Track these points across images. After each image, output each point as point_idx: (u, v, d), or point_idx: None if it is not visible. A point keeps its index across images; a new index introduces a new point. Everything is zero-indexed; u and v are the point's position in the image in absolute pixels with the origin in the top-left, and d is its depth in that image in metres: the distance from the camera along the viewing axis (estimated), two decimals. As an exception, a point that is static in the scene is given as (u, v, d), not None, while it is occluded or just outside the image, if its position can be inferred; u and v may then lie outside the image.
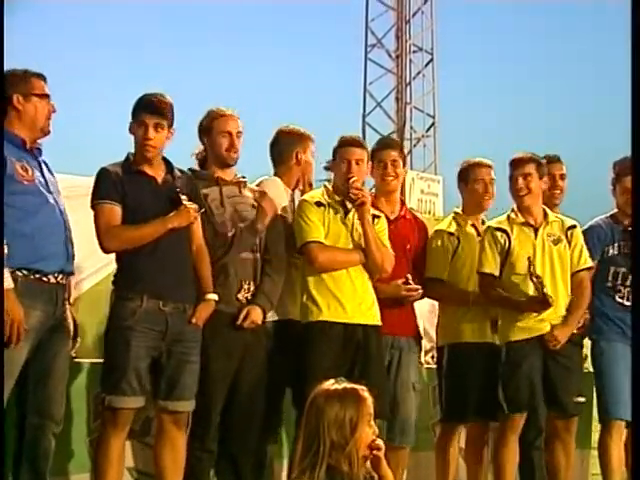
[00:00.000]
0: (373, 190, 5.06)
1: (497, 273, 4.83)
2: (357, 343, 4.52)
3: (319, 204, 4.59)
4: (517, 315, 4.79)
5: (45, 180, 3.95)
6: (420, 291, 4.83)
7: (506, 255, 4.82)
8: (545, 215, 4.93)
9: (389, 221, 4.86)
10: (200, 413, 4.26)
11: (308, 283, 4.57)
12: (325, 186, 4.72)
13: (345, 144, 4.64)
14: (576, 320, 4.89)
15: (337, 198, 4.63)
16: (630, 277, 5.03)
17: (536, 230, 4.86)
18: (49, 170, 4.07)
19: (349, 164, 4.57)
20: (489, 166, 5.11)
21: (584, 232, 5.13)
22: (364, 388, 3.09)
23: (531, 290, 4.76)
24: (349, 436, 2.99)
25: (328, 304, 4.52)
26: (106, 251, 4.14)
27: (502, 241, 4.83)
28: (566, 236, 4.91)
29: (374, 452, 3.08)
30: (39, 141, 4.04)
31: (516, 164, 4.93)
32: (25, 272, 3.80)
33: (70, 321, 4.03)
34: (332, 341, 4.48)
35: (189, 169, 4.51)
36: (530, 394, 4.78)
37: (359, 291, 4.57)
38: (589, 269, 4.98)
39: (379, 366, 4.59)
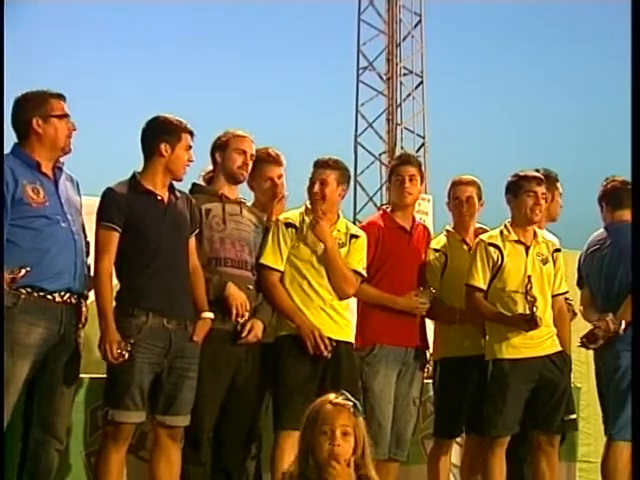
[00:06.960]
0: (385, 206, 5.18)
1: (485, 287, 4.83)
2: (327, 357, 4.52)
3: (289, 225, 4.61)
4: (506, 332, 4.77)
5: (61, 201, 4.00)
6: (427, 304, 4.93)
7: (496, 271, 4.83)
8: (534, 235, 4.95)
9: (405, 232, 4.98)
10: (193, 428, 4.30)
11: None
12: (306, 205, 4.73)
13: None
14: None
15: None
16: None
17: (527, 248, 4.88)
18: (76, 190, 4.15)
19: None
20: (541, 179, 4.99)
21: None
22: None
23: (520, 308, 4.77)
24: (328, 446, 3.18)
25: None
26: (95, 269, 4.13)
27: (495, 257, 4.82)
28: (552, 257, 4.95)
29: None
30: (61, 160, 4.08)
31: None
32: (29, 289, 3.85)
33: (81, 341, 4.08)
34: (303, 354, 4.51)
35: (193, 184, 4.59)
36: (518, 416, 4.79)
37: (328, 307, 4.61)
38: (564, 294, 5.03)
39: (350, 380, 4.55)
